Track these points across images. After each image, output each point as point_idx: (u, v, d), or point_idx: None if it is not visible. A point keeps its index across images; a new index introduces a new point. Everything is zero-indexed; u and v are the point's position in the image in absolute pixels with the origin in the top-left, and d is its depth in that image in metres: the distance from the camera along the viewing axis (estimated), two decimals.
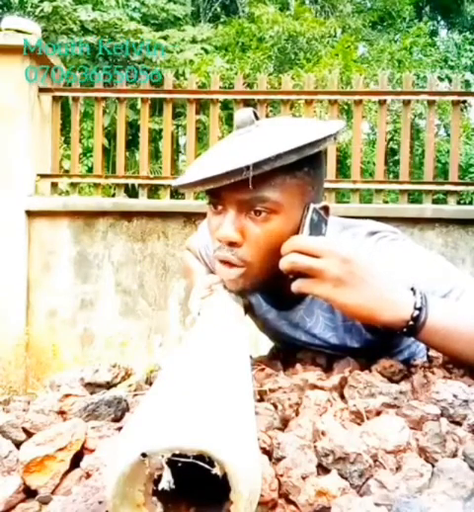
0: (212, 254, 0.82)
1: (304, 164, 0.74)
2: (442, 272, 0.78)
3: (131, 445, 0.39)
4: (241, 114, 0.80)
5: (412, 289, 0.71)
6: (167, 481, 0.38)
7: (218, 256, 0.79)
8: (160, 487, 0.38)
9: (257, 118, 0.80)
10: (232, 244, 0.77)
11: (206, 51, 7.61)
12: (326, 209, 0.80)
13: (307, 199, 0.77)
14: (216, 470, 0.37)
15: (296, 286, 0.70)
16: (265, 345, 1.06)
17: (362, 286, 0.68)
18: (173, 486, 0.38)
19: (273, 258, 0.75)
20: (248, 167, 0.69)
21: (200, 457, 0.37)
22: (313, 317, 0.88)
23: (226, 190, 0.74)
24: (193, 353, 0.56)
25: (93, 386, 0.71)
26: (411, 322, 0.69)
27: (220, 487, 0.40)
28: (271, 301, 0.93)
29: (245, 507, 0.39)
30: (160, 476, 0.38)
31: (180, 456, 0.38)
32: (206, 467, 0.37)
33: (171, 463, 0.38)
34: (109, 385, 0.72)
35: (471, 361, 0.71)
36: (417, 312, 0.69)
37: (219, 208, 0.79)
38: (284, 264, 0.70)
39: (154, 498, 0.40)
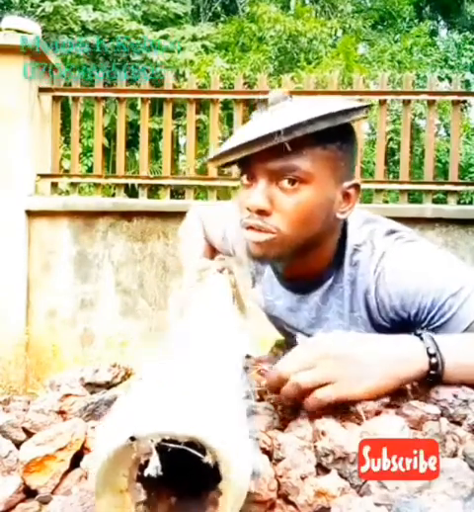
0: (241, 224, 0.82)
1: (336, 138, 0.75)
2: (453, 270, 0.78)
3: (119, 429, 0.38)
4: (275, 92, 0.81)
5: (417, 334, 0.66)
6: (154, 467, 0.37)
7: (247, 223, 0.79)
8: (146, 473, 0.37)
9: (290, 97, 0.81)
10: (261, 213, 0.77)
11: (207, 50, 7.60)
12: (356, 187, 0.82)
13: (338, 173, 0.78)
14: (208, 459, 0.37)
15: (313, 404, 0.58)
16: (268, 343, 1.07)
17: (369, 369, 0.61)
18: (160, 473, 0.37)
19: (301, 229, 0.76)
20: (279, 132, 0.70)
21: (190, 445, 0.36)
22: (327, 303, 0.89)
23: (257, 159, 0.75)
24: (182, 346, 0.55)
25: (93, 386, 0.71)
26: (432, 372, 0.63)
27: (205, 480, 0.39)
28: (287, 285, 0.93)
29: (235, 495, 0.38)
30: (146, 463, 0.37)
31: (169, 442, 0.37)
32: (197, 454, 0.37)
33: (158, 449, 0.37)
34: (109, 385, 0.72)
35: None
36: (434, 359, 0.63)
37: (250, 179, 0.79)
38: (290, 393, 0.59)
39: (138, 484, 0.39)
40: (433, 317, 0.77)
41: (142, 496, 0.39)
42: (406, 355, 0.63)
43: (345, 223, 0.88)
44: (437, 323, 0.76)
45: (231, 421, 0.41)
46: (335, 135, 0.75)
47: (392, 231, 0.86)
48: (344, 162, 0.78)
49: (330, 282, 0.88)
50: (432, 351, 0.63)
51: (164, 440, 0.37)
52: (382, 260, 0.82)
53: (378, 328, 0.84)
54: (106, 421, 0.44)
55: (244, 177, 0.80)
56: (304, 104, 0.79)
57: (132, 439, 0.37)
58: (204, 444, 0.37)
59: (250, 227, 0.79)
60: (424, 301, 0.77)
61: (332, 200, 0.79)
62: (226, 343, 0.60)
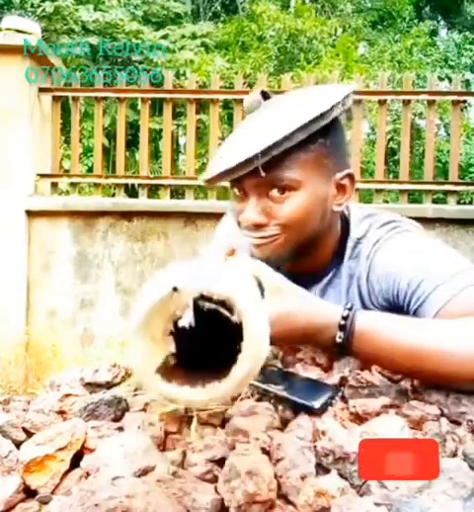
0: (243, 236, 0.84)
1: (317, 136, 0.75)
2: (437, 257, 0.78)
3: (164, 282, 0.44)
4: (248, 99, 0.83)
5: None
6: (188, 321, 0.42)
7: (251, 241, 0.81)
8: (180, 324, 0.42)
9: (267, 96, 0.82)
10: (258, 226, 0.79)
11: (207, 48, 7.60)
12: (350, 176, 0.82)
13: (326, 169, 0.79)
14: (234, 318, 0.43)
15: None
16: None
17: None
18: (192, 325, 0.42)
19: (300, 231, 0.79)
20: (257, 156, 0.71)
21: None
22: (325, 297, 0.89)
23: (244, 176, 0.76)
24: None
25: (93, 386, 0.71)
26: (342, 322, 0.65)
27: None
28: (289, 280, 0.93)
29: (254, 354, 0.44)
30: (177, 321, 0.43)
31: (200, 310, 0.42)
32: (226, 313, 0.43)
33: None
34: (109, 385, 0.72)
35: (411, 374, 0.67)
36: (347, 312, 0.65)
37: (241, 193, 0.81)
38: None
39: (170, 337, 0.45)
40: (409, 301, 0.77)
41: (172, 349, 0.45)
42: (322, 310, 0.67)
43: (347, 219, 0.89)
44: (414, 307, 0.76)
45: (254, 294, 0.47)
46: (315, 135, 0.75)
47: (389, 222, 0.86)
48: (331, 156, 0.79)
49: (330, 276, 0.90)
50: (348, 306, 0.66)
51: (197, 303, 0.43)
52: (374, 247, 0.83)
53: None
54: (150, 281, 0.49)
55: (235, 190, 0.82)
56: (278, 112, 0.79)
57: (175, 289, 0.42)
58: (233, 304, 0.43)
59: (254, 244, 0.81)
60: (402, 283, 0.77)
61: (325, 196, 0.80)
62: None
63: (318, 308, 0.67)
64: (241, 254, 0.72)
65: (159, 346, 0.44)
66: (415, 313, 0.76)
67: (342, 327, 0.65)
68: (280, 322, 0.62)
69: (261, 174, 0.73)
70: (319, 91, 0.88)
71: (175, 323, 0.44)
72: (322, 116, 0.73)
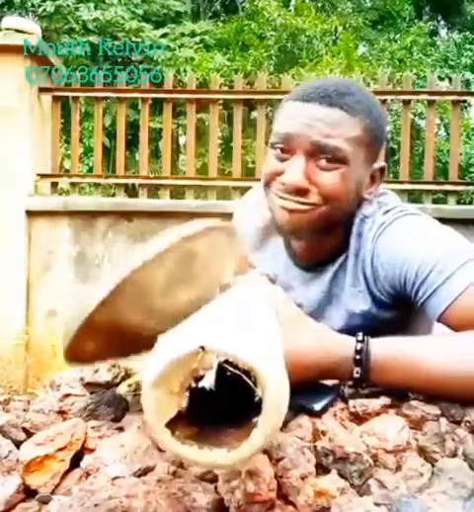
0: (271, 199, 0.82)
1: (373, 122, 0.79)
2: (446, 245, 0.76)
3: (192, 337, 0.43)
4: None
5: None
6: (209, 383, 0.42)
7: (287, 205, 0.79)
8: (201, 384, 0.42)
9: None
10: (299, 191, 0.78)
11: (207, 47, 7.60)
12: (383, 170, 0.84)
13: (370, 156, 0.81)
14: (258, 392, 0.42)
15: None
16: None
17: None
18: (213, 388, 0.42)
19: (334, 206, 0.79)
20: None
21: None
22: (337, 279, 0.88)
23: (298, 133, 0.77)
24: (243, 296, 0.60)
25: (93, 386, 0.71)
26: (357, 356, 0.62)
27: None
28: (304, 263, 0.92)
29: (273, 426, 0.43)
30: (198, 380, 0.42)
31: (225, 371, 0.42)
32: (251, 384, 0.42)
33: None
34: (109, 385, 0.72)
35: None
36: (359, 345, 0.62)
37: (286, 152, 0.79)
38: None
39: (186, 393, 0.44)
40: (417, 292, 0.76)
41: (185, 404, 0.44)
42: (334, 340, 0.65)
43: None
44: (421, 299, 0.75)
45: (282, 365, 0.46)
46: (373, 120, 0.79)
47: (396, 207, 0.86)
48: (375, 145, 0.82)
49: (343, 257, 0.88)
50: (359, 338, 0.63)
51: (221, 366, 0.42)
52: (380, 229, 0.83)
53: (379, 304, 0.84)
54: (173, 330, 0.48)
55: (277, 149, 0.80)
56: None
57: (202, 348, 0.42)
58: (259, 376, 0.42)
59: (288, 210, 0.79)
60: (409, 272, 0.76)
61: (362, 181, 0.82)
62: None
63: (333, 343, 0.64)
64: (258, 276, 0.70)
65: (174, 400, 0.44)
66: (423, 305, 0.75)
67: (357, 362, 0.62)
68: (296, 358, 0.58)
69: (320, 133, 0.74)
70: None
71: (193, 380, 0.44)
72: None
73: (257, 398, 0.42)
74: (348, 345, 0.63)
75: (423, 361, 0.63)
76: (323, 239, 0.86)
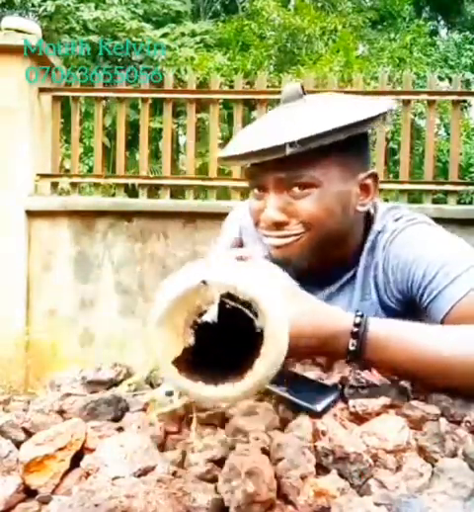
0: (260, 237, 0.83)
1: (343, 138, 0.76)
2: (454, 252, 0.77)
3: (193, 273, 0.45)
4: (288, 88, 0.81)
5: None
6: (212, 316, 0.43)
7: (271, 242, 0.80)
8: (204, 319, 0.44)
9: (304, 93, 0.81)
10: (279, 225, 0.78)
11: (207, 47, 7.59)
12: (374, 177, 0.82)
13: (349, 168, 0.79)
14: (258, 323, 0.43)
15: None
16: None
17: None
18: (215, 321, 0.43)
19: (320, 228, 0.78)
20: (292, 144, 0.70)
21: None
22: (341, 293, 0.89)
23: (265, 170, 0.76)
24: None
25: (93, 386, 0.71)
26: (355, 329, 0.64)
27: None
28: (307, 280, 0.92)
29: (276, 353, 0.44)
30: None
31: (225, 307, 0.43)
32: (250, 315, 0.44)
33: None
34: (111, 383, 0.72)
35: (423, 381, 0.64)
36: (359, 319, 0.64)
37: (260, 191, 0.80)
38: None
39: (191, 330, 0.45)
40: (422, 294, 0.76)
41: (192, 341, 0.45)
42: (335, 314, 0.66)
43: (372, 218, 0.88)
44: (427, 301, 0.76)
45: (279, 300, 0.48)
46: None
47: (406, 215, 0.86)
48: (354, 156, 0.79)
49: (351, 273, 0.88)
50: (359, 313, 0.65)
51: (222, 302, 0.43)
52: (391, 236, 0.83)
53: (388, 312, 0.84)
54: (176, 273, 0.50)
55: (254, 189, 0.81)
56: (318, 107, 0.79)
57: (204, 282, 0.43)
58: (258, 305, 0.43)
59: (274, 246, 0.80)
60: (417, 273, 0.77)
61: (347, 194, 0.80)
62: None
63: (328, 315, 0.66)
64: (255, 255, 0.71)
65: (179, 337, 0.45)
66: (427, 308, 0.76)
67: (354, 335, 0.63)
68: (295, 326, 0.58)
69: (284, 165, 0.72)
70: (360, 99, 0.88)
71: (197, 316, 0.45)
72: (366, 121, 0.73)
73: (258, 330, 0.44)
74: (347, 318, 0.65)
75: (417, 343, 0.64)
76: (327, 258, 0.84)
